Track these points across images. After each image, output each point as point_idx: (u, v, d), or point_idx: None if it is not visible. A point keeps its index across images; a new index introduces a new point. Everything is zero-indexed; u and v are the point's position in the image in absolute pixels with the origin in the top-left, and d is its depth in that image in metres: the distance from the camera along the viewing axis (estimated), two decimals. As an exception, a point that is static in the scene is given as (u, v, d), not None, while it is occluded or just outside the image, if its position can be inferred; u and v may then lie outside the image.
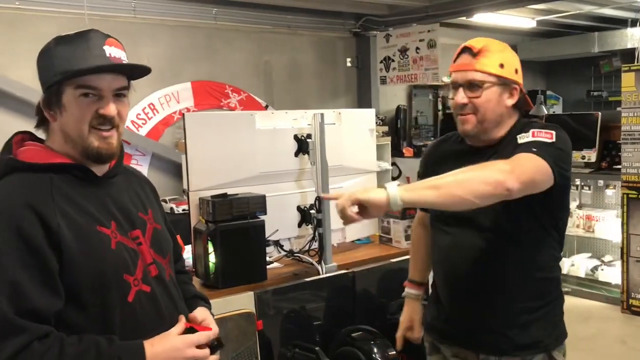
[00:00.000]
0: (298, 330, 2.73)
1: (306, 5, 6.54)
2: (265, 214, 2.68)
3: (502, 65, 1.73)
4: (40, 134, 1.43)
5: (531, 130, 1.69)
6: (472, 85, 1.72)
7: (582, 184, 5.42)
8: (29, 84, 5.07)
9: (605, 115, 5.48)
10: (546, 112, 7.39)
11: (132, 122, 5.60)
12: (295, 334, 2.70)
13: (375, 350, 2.59)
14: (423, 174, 1.93)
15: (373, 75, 7.25)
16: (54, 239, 1.23)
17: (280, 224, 2.86)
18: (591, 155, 5.30)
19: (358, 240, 3.33)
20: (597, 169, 5.34)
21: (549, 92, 9.20)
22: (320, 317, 2.82)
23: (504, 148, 1.74)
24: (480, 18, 6.77)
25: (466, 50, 1.75)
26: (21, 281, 1.19)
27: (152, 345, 1.29)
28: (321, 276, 2.83)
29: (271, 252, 2.90)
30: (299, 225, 3.00)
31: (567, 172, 1.70)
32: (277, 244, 2.91)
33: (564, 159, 1.68)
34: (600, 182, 5.32)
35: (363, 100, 7.47)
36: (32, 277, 1.20)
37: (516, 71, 1.77)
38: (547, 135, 1.67)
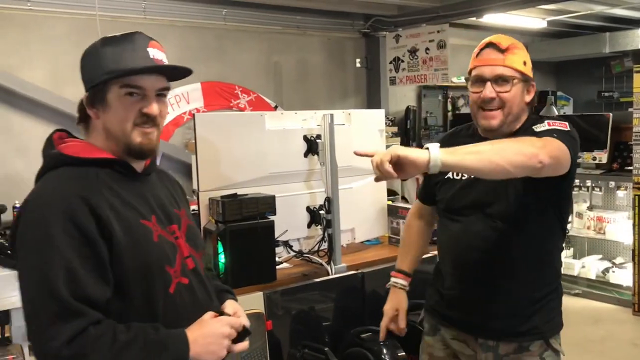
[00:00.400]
0: (307, 330, 2.74)
1: (315, 6, 6.55)
2: (275, 214, 2.68)
3: (525, 63, 1.80)
4: (71, 129, 1.50)
5: (546, 121, 1.76)
6: (501, 80, 1.76)
7: (593, 185, 5.39)
8: (40, 85, 5.12)
9: (616, 116, 5.45)
10: (556, 113, 7.37)
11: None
12: (304, 335, 2.70)
13: (385, 351, 2.58)
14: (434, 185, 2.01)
15: (382, 76, 7.24)
16: (104, 230, 1.28)
17: (290, 224, 2.87)
18: (602, 156, 5.27)
19: (367, 241, 3.33)
20: (608, 170, 5.31)
21: (559, 93, 9.14)
22: (330, 318, 2.82)
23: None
24: (491, 18, 6.75)
25: (492, 45, 1.79)
26: (76, 268, 1.23)
27: (191, 332, 1.35)
28: (330, 277, 2.83)
29: (280, 252, 2.91)
30: (309, 226, 3.00)
31: (576, 161, 1.76)
32: (286, 244, 2.91)
33: (576, 148, 1.74)
34: (612, 184, 5.29)
35: (372, 100, 7.46)
36: (86, 265, 1.25)
37: (531, 69, 1.85)
38: (562, 125, 1.75)
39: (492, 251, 1.81)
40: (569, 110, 8.99)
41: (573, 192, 5.39)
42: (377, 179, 1.52)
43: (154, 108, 1.40)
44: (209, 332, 1.38)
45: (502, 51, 1.77)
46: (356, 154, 1.56)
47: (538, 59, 9.16)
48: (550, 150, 1.59)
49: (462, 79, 6.74)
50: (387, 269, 3.01)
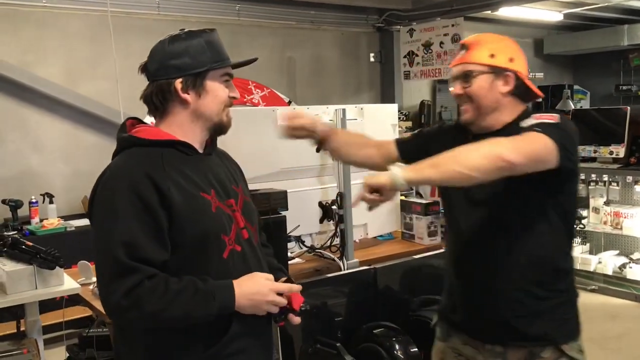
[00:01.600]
0: (319, 326, 2.73)
1: (329, 1, 6.53)
2: (287, 209, 2.68)
3: (492, 55, 1.81)
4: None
5: (532, 115, 1.76)
6: (465, 77, 1.82)
7: (610, 179, 5.32)
8: (55, 81, 5.16)
9: (634, 109, 5.36)
10: (573, 107, 7.28)
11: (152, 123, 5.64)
12: (316, 330, 2.70)
13: (397, 346, 2.58)
14: (417, 149, 1.97)
15: (396, 70, 7.21)
16: (165, 201, 1.45)
17: (302, 219, 2.86)
18: (619, 150, 5.20)
19: (380, 236, 3.32)
20: (625, 164, 5.24)
21: (576, 87, 9.04)
22: (342, 313, 2.81)
23: (507, 135, 1.76)
24: (506, 12, 6.68)
25: (462, 47, 1.88)
26: (136, 234, 1.42)
27: (240, 286, 1.51)
28: (343, 272, 2.83)
29: (292, 247, 2.90)
30: (321, 221, 2.99)
31: (573, 156, 1.70)
32: (298, 239, 2.91)
33: (569, 140, 1.69)
34: (629, 178, 5.21)
35: (386, 95, 7.43)
36: (146, 231, 1.43)
37: (511, 60, 1.81)
38: (550, 117, 1.72)
39: (488, 253, 1.79)
40: (586, 104, 8.89)
41: (589, 187, 5.38)
42: (370, 209, 1.66)
43: (237, 92, 1.66)
44: (256, 291, 1.52)
45: (467, 49, 1.84)
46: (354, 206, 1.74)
47: (554, 53, 9.07)
48: (521, 147, 1.58)
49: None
50: (400, 264, 3.01)
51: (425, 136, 2.11)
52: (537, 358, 1.76)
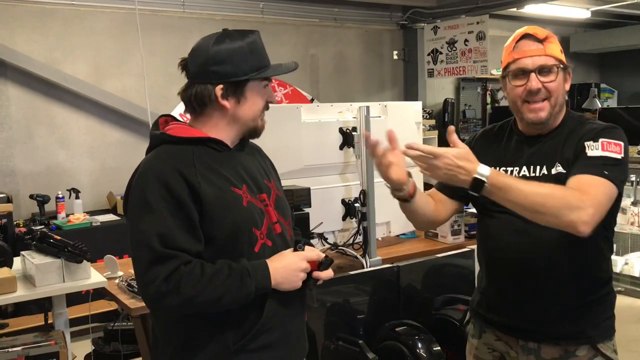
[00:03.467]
0: (342, 323, 2.74)
1: (353, -2, 6.52)
2: (310, 206, 2.68)
3: (562, 51, 1.76)
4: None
5: (600, 141, 1.66)
6: (545, 70, 1.72)
7: (638, 180, 5.23)
8: (82, 78, 5.23)
9: (663, 108, 5.27)
10: (600, 106, 7.18)
11: (181, 115, 5.70)
12: (339, 327, 2.70)
13: (420, 345, 2.57)
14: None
15: (420, 68, 7.17)
16: (195, 195, 1.49)
17: (325, 217, 2.86)
18: (648, 150, 5.12)
19: (403, 234, 3.30)
20: (653, 164, 5.15)
21: (603, 85, 8.90)
22: (364, 311, 2.81)
23: (560, 143, 1.73)
24: (532, 9, 6.60)
25: (528, 37, 1.75)
26: (169, 225, 1.46)
27: (272, 262, 1.55)
28: (365, 270, 2.83)
29: (315, 244, 2.91)
30: (343, 219, 2.99)
31: (625, 179, 1.69)
32: (321, 236, 2.91)
33: (626, 172, 1.68)
34: (657, 178, 5.13)
35: (410, 93, 7.40)
36: (178, 223, 1.47)
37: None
38: (616, 149, 1.65)
39: (531, 251, 1.74)
40: (613, 102, 8.76)
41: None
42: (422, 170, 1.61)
43: (274, 97, 1.70)
44: (287, 264, 1.56)
45: (541, 41, 1.73)
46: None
47: (581, 51, 8.94)
48: (598, 211, 1.54)
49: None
50: (423, 262, 3.00)
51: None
52: (573, 356, 1.73)
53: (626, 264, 5.26)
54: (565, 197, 1.54)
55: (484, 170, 1.52)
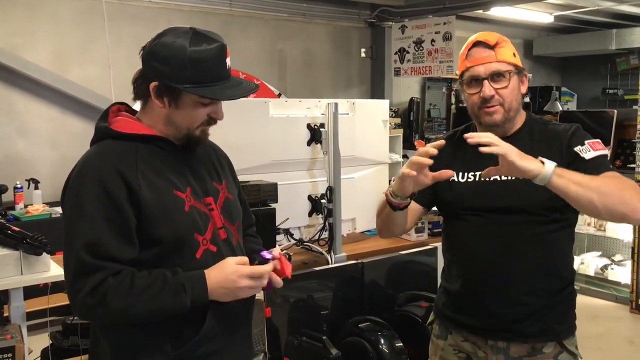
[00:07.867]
0: (306, 319, 2.74)
1: (322, -6, 6.52)
2: (277, 202, 2.68)
3: (514, 54, 1.77)
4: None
5: (587, 143, 1.71)
6: (497, 77, 1.73)
7: (595, 181, 5.38)
8: (44, 66, 5.10)
9: (620, 113, 5.43)
10: (560, 109, 7.34)
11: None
12: (302, 323, 2.71)
13: (382, 341, 2.59)
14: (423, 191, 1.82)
15: (387, 67, 7.21)
16: (134, 198, 1.42)
17: (291, 212, 2.86)
18: (605, 153, 5.26)
19: (368, 231, 3.33)
20: (610, 167, 5.30)
21: (563, 89, 9.10)
22: (328, 307, 2.82)
23: (528, 145, 1.72)
24: (497, 12, 6.71)
25: (480, 44, 1.76)
26: (100, 232, 1.39)
27: (211, 272, 1.46)
28: (330, 266, 2.84)
29: (281, 240, 2.91)
30: (310, 215, 3.00)
31: None
32: (287, 232, 2.91)
33: None
34: (614, 181, 5.28)
35: (376, 91, 7.44)
36: (111, 228, 1.40)
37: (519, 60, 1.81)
38: (601, 146, 1.71)
39: (501, 252, 1.76)
40: (573, 106, 8.96)
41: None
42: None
43: (221, 115, 1.54)
44: (227, 273, 1.46)
45: (492, 47, 1.74)
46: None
47: (543, 54, 9.13)
48: None
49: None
50: (387, 259, 3.03)
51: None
52: (539, 353, 1.77)
53: (582, 263, 5.41)
54: (623, 187, 1.58)
55: (550, 166, 1.52)
